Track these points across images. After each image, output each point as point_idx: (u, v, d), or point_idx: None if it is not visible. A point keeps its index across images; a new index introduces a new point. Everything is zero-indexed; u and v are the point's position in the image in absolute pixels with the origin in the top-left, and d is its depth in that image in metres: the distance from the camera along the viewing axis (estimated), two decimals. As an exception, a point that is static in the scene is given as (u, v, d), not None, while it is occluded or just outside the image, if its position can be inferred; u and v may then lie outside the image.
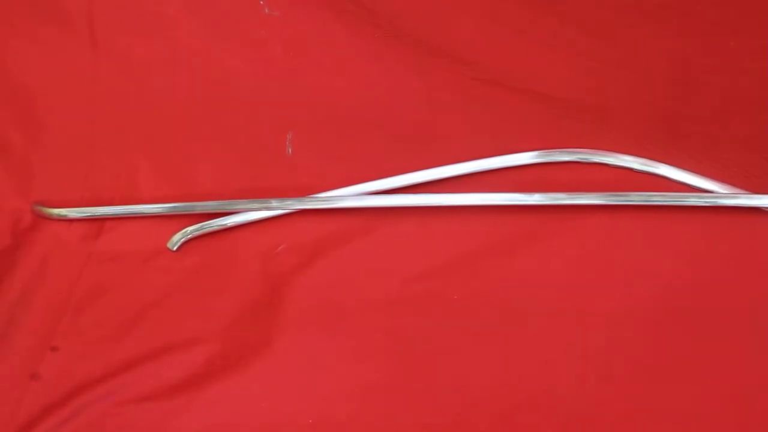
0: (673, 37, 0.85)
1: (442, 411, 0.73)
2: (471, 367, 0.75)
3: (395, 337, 0.78)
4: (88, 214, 0.85)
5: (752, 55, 0.85)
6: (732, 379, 0.72)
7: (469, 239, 0.81)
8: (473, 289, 0.79)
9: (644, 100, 0.87)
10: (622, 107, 0.86)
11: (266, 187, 0.84)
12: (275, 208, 0.82)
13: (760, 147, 0.84)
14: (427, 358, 0.76)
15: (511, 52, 0.88)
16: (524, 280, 0.79)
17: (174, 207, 0.83)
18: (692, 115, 0.86)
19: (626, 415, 0.71)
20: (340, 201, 0.81)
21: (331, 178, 0.83)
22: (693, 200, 0.79)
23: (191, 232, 0.83)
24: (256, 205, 0.81)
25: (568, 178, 0.82)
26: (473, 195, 0.80)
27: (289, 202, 0.81)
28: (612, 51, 0.86)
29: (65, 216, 0.88)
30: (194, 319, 0.80)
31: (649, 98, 0.87)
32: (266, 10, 0.89)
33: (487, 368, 0.75)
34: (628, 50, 0.87)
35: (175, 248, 0.82)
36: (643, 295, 0.77)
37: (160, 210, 0.83)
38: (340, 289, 0.80)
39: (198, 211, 0.82)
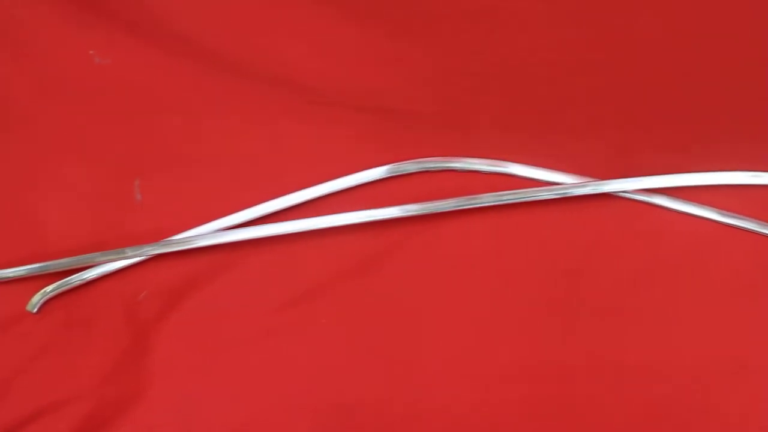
0: (502, 38, 0.88)
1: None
2: (351, 389, 0.76)
3: (270, 368, 0.77)
4: (-60, 289, 0.82)
5: (582, 46, 0.88)
6: (605, 365, 0.75)
7: (331, 261, 0.81)
8: (341, 310, 0.79)
9: (483, 102, 0.89)
10: (462, 112, 0.88)
11: (120, 235, 0.83)
12: (132, 257, 0.80)
13: (598, 133, 0.87)
14: (304, 385, 0.76)
15: (347, 72, 0.89)
16: (390, 295, 0.80)
17: (29, 269, 0.80)
18: (529, 111, 0.88)
19: (506, 418, 0.73)
20: (196, 241, 0.80)
21: (185, 218, 0.82)
22: (544, 194, 0.81)
23: (50, 291, 0.80)
24: (111, 257, 0.80)
25: (420, 188, 0.83)
26: (329, 217, 0.80)
27: (145, 249, 0.80)
28: (444, 59, 0.88)
29: None
30: (64, 379, 0.78)
31: (487, 100, 0.89)
32: (97, 60, 0.87)
33: (369, 387, 0.76)
34: (460, 57, 0.88)
35: (35, 310, 0.80)
36: (510, 293, 0.79)
37: (14, 274, 0.81)
38: (209, 328, 0.79)
39: (53, 269, 0.80)
